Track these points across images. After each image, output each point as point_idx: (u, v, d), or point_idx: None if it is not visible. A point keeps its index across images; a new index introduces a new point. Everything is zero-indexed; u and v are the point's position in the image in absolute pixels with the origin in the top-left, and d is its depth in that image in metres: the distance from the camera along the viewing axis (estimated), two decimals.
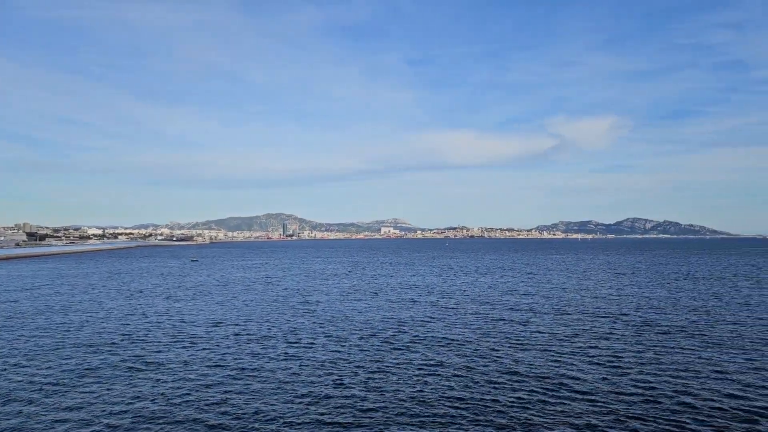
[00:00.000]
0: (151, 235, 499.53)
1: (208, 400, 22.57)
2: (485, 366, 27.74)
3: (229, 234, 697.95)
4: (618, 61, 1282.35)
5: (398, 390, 23.69)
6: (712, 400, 22.02)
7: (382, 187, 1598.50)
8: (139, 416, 20.66)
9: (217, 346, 33.23)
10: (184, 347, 32.91)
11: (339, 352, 31.37)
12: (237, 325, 40.87)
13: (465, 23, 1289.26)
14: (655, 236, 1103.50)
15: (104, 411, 21.25)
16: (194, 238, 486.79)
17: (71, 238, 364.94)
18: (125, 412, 21.17)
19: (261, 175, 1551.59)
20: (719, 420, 19.90)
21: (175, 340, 35.25)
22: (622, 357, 29.51)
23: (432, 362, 28.63)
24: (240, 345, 33.44)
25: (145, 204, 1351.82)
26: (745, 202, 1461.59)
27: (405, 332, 37.29)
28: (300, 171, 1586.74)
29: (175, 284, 75.29)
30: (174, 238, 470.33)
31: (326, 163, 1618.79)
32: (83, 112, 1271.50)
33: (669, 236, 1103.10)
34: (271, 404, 21.96)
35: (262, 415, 20.74)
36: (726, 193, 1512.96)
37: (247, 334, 36.91)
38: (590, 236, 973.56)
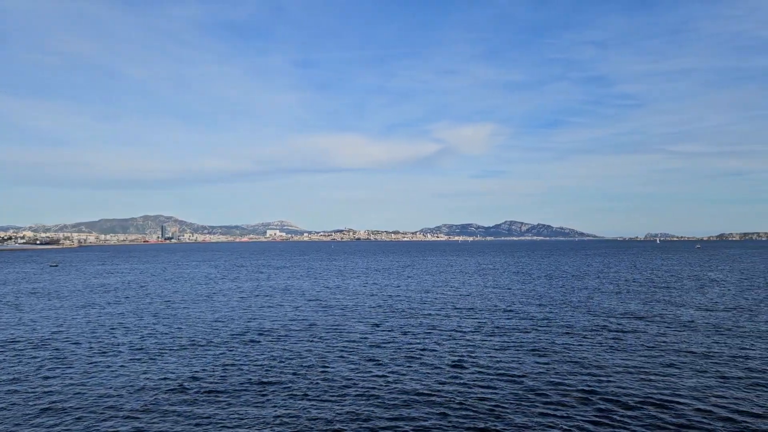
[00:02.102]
0: (10, 238, 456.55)
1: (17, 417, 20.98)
2: (322, 370, 28.05)
3: (102, 237, 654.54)
4: (497, 72, 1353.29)
5: (235, 393, 23.36)
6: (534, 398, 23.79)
7: (269, 189, 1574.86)
8: None
9: (57, 354, 30.93)
10: (13, 360, 30.34)
11: (187, 357, 30.34)
12: (81, 332, 38.27)
13: (351, 28, 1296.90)
14: (530, 238, 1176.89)
15: None
16: (61, 242, 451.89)
17: None
18: None
19: (139, 174, 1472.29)
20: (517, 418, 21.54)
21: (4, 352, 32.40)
22: (457, 353, 31.10)
23: (274, 364, 28.51)
24: (78, 353, 31.32)
25: (5, 205, 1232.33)
26: (609, 206, 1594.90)
27: (261, 335, 36.78)
28: (181, 171, 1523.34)
29: (23, 291, 69.20)
30: (38, 242, 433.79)
31: (210, 163, 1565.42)
32: None
33: (543, 238, 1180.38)
34: (100, 413, 20.82)
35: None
36: (592, 198, 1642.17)
37: (92, 341, 34.68)
38: (471, 238, 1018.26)
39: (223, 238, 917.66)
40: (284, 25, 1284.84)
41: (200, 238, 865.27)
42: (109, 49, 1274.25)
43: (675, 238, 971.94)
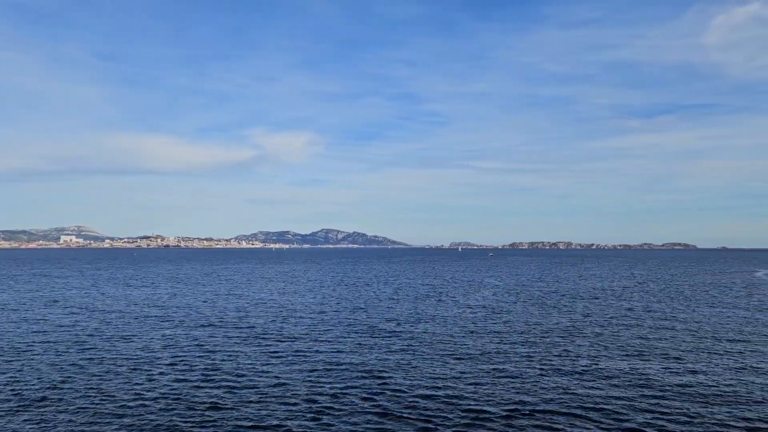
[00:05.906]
0: None
1: None
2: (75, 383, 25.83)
3: None
4: (314, 82, 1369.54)
5: None
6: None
7: (64, 191, 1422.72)
8: None
9: None
10: None
11: None
12: None
13: (161, 23, 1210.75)
14: (346, 246, 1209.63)
15: None
16: None
17: None
18: None
19: None
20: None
21: None
22: (214, 361, 30.64)
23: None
24: None
25: None
26: (418, 216, 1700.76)
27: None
28: None
29: None
30: None
31: None
32: None
33: (358, 246, 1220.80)
34: None
35: None
36: (403, 208, 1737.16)
37: None
38: (287, 246, 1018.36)
39: (5, 245, 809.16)
40: (85, 13, 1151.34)
41: None
42: None
43: (475, 247, 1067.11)
